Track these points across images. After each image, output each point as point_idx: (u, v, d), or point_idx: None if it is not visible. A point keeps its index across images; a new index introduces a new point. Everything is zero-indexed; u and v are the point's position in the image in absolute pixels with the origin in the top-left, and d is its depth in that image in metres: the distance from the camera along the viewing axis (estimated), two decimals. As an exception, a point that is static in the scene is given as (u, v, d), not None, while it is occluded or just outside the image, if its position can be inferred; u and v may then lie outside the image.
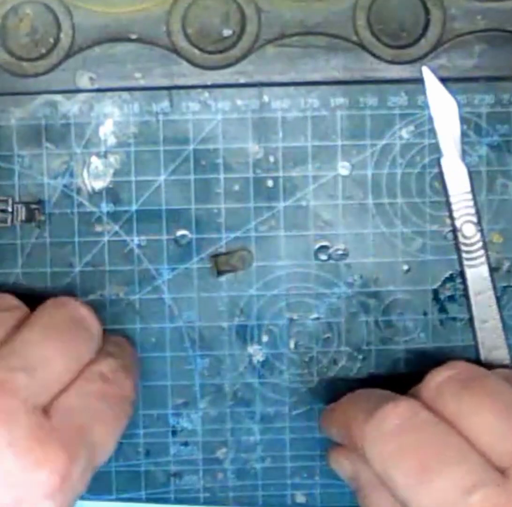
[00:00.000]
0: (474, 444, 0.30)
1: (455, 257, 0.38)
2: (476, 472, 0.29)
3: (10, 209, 0.37)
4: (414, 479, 0.30)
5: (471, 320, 0.38)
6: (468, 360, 0.35)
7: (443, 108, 0.37)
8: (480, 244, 0.38)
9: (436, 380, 0.33)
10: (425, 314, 0.38)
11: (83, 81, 0.37)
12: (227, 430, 0.39)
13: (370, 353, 0.38)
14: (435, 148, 0.37)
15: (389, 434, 0.31)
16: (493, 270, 0.38)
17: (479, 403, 0.31)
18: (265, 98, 0.37)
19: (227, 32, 0.37)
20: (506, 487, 0.29)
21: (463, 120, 0.37)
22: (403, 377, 0.38)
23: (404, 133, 0.38)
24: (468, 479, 0.29)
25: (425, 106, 0.37)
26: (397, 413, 0.31)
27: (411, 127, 0.38)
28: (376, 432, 0.32)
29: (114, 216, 0.38)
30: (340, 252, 0.38)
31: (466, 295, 0.38)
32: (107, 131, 0.37)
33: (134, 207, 0.38)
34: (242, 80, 0.37)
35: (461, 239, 0.38)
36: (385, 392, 0.34)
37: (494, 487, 0.29)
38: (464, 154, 0.37)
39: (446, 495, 0.29)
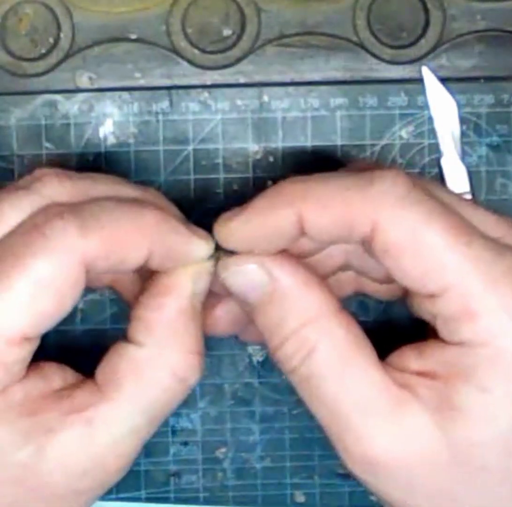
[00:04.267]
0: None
1: (455, 257, 0.38)
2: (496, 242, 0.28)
3: (10, 209, 0.37)
4: (459, 240, 0.27)
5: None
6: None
7: (443, 108, 0.37)
8: (480, 244, 0.37)
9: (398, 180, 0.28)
10: (425, 314, 0.38)
11: (83, 81, 0.37)
12: (227, 430, 0.39)
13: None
14: (435, 148, 0.38)
15: (412, 197, 0.27)
16: (493, 270, 0.38)
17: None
18: (265, 98, 0.37)
19: (227, 32, 0.37)
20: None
21: (463, 120, 0.37)
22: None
23: (404, 133, 0.38)
24: (495, 246, 0.28)
25: (425, 106, 0.37)
26: (404, 180, 0.28)
27: (411, 127, 0.38)
28: (396, 187, 0.27)
29: (114, 216, 0.38)
30: (340, 252, 0.38)
31: (466, 295, 0.38)
32: (107, 131, 0.37)
33: (134, 207, 0.38)
34: (242, 80, 0.37)
35: (461, 239, 0.38)
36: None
37: None
38: (464, 154, 0.37)
39: (483, 257, 0.27)
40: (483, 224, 0.29)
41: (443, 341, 0.28)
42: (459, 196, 0.30)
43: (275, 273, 0.29)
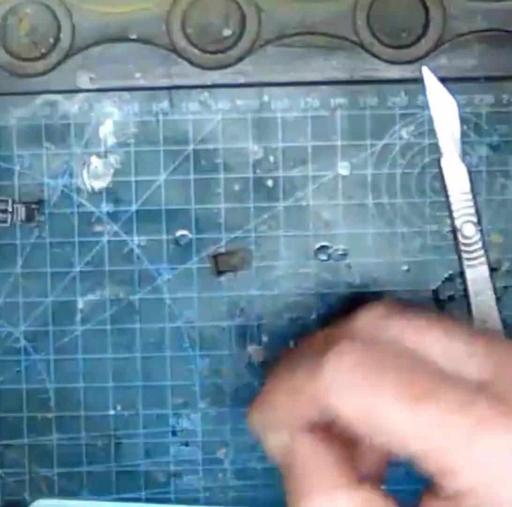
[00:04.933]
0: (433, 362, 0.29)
1: (455, 257, 0.38)
2: (463, 387, 0.28)
3: (10, 209, 0.37)
4: (406, 406, 0.27)
5: (471, 320, 0.38)
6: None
7: (443, 108, 0.37)
8: (480, 244, 0.38)
9: (371, 312, 0.31)
10: (425, 314, 0.38)
11: (83, 81, 0.37)
12: (227, 430, 0.39)
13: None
14: (435, 148, 0.38)
15: (349, 372, 0.28)
16: (493, 270, 0.38)
17: (420, 324, 0.30)
18: (265, 98, 0.37)
19: (227, 32, 0.37)
20: (489, 396, 0.27)
21: (463, 120, 0.37)
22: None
23: (404, 133, 0.38)
24: (460, 394, 0.27)
25: (425, 106, 0.37)
26: (352, 348, 0.29)
27: (411, 127, 0.38)
28: (332, 374, 0.28)
29: (114, 216, 0.38)
30: (340, 252, 0.38)
31: (466, 295, 0.38)
32: (107, 131, 0.37)
33: (134, 207, 0.38)
34: (242, 80, 0.37)
35: (461, 239, 0.38)
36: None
37: (488, 399, 0.27)
38: (464, 154, 0.37)
39: (444, 415, 0.27)
40: (453, 361, 0.29)
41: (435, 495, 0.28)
42: (428, 322, 0.30)
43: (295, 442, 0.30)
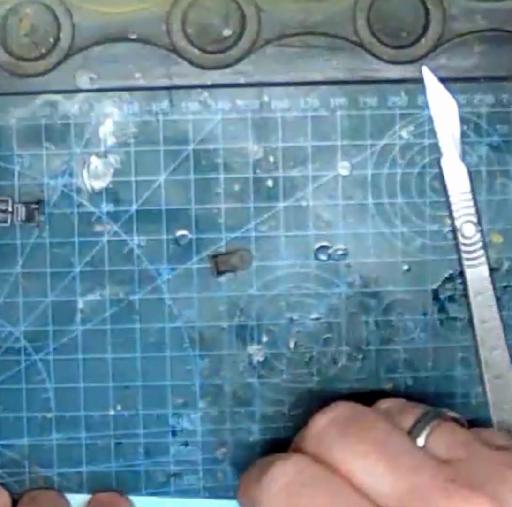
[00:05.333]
0: (361, 490, 0.30)
1: (455, 257, 0.38)
2: None
3: (10, 209, 0.37)
4: None
5: (471, 320, 0.38)
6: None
7: (443, 108, 0.37)
8: (480, 244, 0.38)
9: (317, 426, 0.32)
10: (425, 314, 0.38)
11: (83, 81, 0.37)
12: (227, 430, 0.39)
13: (370, 353, 0.38)
14: (435, 148, 0.38)
15: (279, 494, 0.30)
16: (493, 270, 0.38)
17: (356, 449, 0.30)
18: (265, 98, 0.37)
19: (227, 32, 0.37)
20: None
21: (463, 120, 0.37)
22: (402, 377, 0.38)
23: (404, 133, 0.38)
24: None
25: (425, 106, 0.37)
26: (284, 471, 0.30)
27: (411, 127, 0.38)
28: (266, 493, 0.30)
29: (114, 216, 0.38)
30: (340, 252, 0.38)
31: (466, 295, 0.38)
32: (107, 131, 0.37)
33: (134, 207, 0.38)
34: (242, 80, 0.37)
35: (461, 239, 0.38)
36: (276, 455, 0.33)
37: None
38: (464, 154, 0.37)
39: None
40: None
41: None
42: (371, 451, 0.30)
43: None
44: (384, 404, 0.33)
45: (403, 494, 0.29)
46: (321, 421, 0.32)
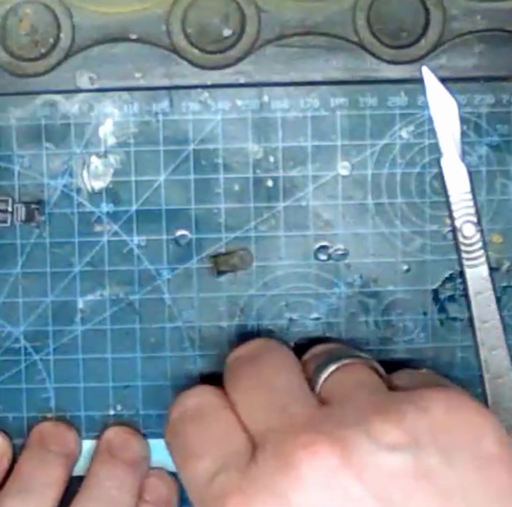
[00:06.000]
0: (241, 422, 0.31)
1: (455, 257, 0.38)
2: (226, 457, 0.30)
3: (10, 209, 0.37)
4: (180, 461, 0.32)
5: (471, 320, 0.38)
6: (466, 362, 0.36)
7: (443, 108, 0.37)
8: (480, 244, 0.38)
9: (228, 358, 0.35)
10: (425, 314, 0.38)
11: (83, 81, 0.37)
12: (227, 430, 0.39)
13: (370, 353, 0.38)
14: (435, 148, 0.38)
15: (174, 421, 0.33)
16: (493, 270, 0.38)
17: (241, 383, 0.33)
18: (265, 98, 0.37)
19: (227, 32, 0.37)
20: (248, 471, 0.29)
21: (463, 120, 0.37)
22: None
23: (404, 133, 0.38)
24: (214, 465, 0.30)
25: (425, 106, 0.37)
26: (184, 401, 0.33)
27: (411, 127, 0.38)
28: (166, 420, 0.34)
29: (114, 216, 0.38)
30: (340, 252, 0.38)
31: (466, 295, 0.38)
32: (107, 131, 0.37)
33: (134, 207, 0.38)
34: (242, 80, 0.37)
35: (461, 239, 0.38)
36: None
37: (235, 472, 0.29)
38: (464, 154, 0.37)
39: (196, 479, 0.30)
40: None
41: None
42: None
43: None
44: (317, 348, 0.35)
45: (266, 431, 0.30)
46: (233, 354, 0.34)
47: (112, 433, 0.38)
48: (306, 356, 0.35)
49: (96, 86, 0.37)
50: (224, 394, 0.33)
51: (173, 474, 0.38)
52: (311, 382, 0.32)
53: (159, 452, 0.38)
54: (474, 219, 0.37)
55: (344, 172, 0.38)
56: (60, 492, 0.36)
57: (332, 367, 0.32)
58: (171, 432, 0.33)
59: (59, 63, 0.37)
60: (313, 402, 0.31)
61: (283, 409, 0.30)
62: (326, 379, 0.32)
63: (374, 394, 0.31)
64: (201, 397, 0.33)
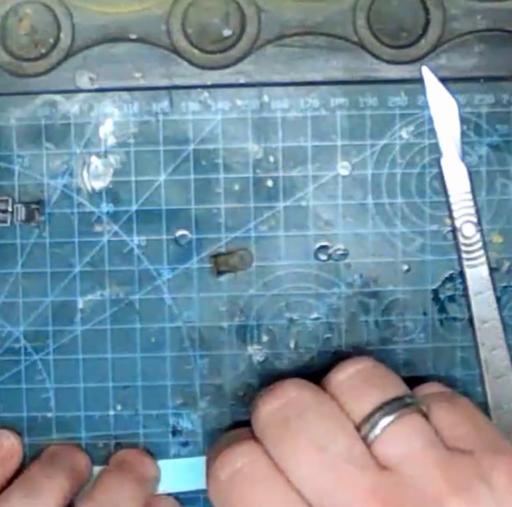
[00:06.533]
0: (297, 489, 0.30)
1: (455, 257, 0.38)
2: None
3: (10, 209, 0.37)
4: None
5: (471, 320, 0.38)
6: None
7: (443, 108, 0.37)
8: (480, 244, 0.38)
9: (262, 413, 0.31)
10: (425, 314, 0.38)
11: (83, 81, 0.37)
12: (227, 430, 0.39)
13: (370, 353, 0.38)
14: (435, 148, 0.38)
15: (225, 484, 0.31)
16: (493, 270, 0.38)
17: (292, 449, 0.30)
18: (265, 98, 0.37)
19: (227, 32, 0.37)
20: None
21: (463, 120, 0.37)
22: (403, 377, 0.38)
23: (404, 133, 0.38)
24: None
25: (425, 106, 0.37)
26: (233, 461, 0.31)
27: (411, 127, 0.38)
28: (213, 480, 0.31)
29: (114, 216, 0.38)
30: (340, 252, 0.38)
31: (466, 295, 0.38)
32: (107, 131, 0.37)
33: (134, 207, 0.38)
34: (242, 80, 0.37)
35: (461, 239, 0.38)
36: (241, 432, 0.33)
37: None
38: (464, 154, 0.37)
39: None
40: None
41: None
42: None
43: None
44: (343, 373, 0.32)
45: (328, 505, 0.29)
46: (266, 408, 0.31)
47: (124, 452, 0.38)
48: (345, 397, 0.32)
49: (96, 86, 0.37)
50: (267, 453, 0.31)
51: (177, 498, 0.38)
52: (359, 432, 0.30)
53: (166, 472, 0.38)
54: (474, 219, 0.37)
55: (344, 172, 0.38)
56: (64, 504, 0.36)
57: (385, 422, 0.30)
58: (221, 492, 0.31)
59: (59, 63, 0.37)
60: (373, 466, 0.30)
61: (344, 478, 0.29)
62: (378, 436, 0.30)
63: (436, 455, 0.30)
64: (250, 458, 0.31)
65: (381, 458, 0.30)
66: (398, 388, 0.32)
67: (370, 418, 0.30)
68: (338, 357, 0.37)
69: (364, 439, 0.30)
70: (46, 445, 0.38)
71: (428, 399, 0.32)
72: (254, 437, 0.32)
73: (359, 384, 0.32)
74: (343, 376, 0.32)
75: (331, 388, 0.32)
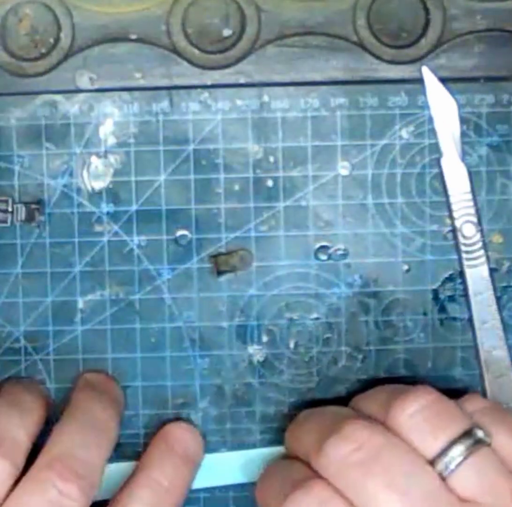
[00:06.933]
0: None
1: (455, 257, 0.38)
2: None
3: (10, 209, 0.37)
4: None
5: (471, 320, 0.38)
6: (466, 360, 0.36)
7: (443, 108, 0.37)
8: (480, 244, 0.38)
9: (336, 454, 0.31)
10: (425, 314, 0.38)
11: (83, 81, 0.37)
12: (227, 430, 0.39)
13: (370, 353, 0.38)
14: (435, 148, 0.38)
15: None
16: (493, 270, 0.38)
17: (375, 494, 0.30)
18: (265, 98, 0.37)
19: (227, 32, 0.37)
20: None
21: (463, 120, 0.37)
22: (403, 377, 0.38)
23: (404, 133, 0.38)
24: None
25: (425, 106, 0.37)
26: (306, 503, 0.31)
27: (411, 127, 0.38)
28: None
29: (114, 216, 0.38)
30: (340, 252, 0.38)
31: (466, 295, 0.38)
32: (107, 131, 0.37)
33: (134, 207, 0.38)
34: (242, 80, 0.37)
35: (461, 239, 0.38)
36: (336, 412, 0.34)
37: None
38: (464, 154, 0.37)
39: None
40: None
41: None
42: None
43: None
44: (409, 409, 0.32)
45: None
46: (339, 451, 0.31)
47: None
48: (415, 434, 0.32)
49: (96, 86, 0.37)
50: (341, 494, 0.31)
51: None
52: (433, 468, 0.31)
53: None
54: (474, 219, 0.37)
55: (344, 172, 0.38)
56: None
57: (460, 457, 0.31)
58: None
59: (59, 63, 0.37)
60: (455, 501, 0.30)
61: None
62: (453, 471, 0.31)
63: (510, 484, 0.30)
64: (322, 499, 0.31)
65: (459, 490, 0.30)
66: (463, 419, 0.32)
67: (444, 453, 0.31)
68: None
69: (439, 474, 0.31)
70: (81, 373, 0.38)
71: (481, 417, 0.32)
72: (317, 476, 0.32)
73: (427, 421, 0.32)
74: (410, 412, 0.32)
75: (397, 426, 0.32)
